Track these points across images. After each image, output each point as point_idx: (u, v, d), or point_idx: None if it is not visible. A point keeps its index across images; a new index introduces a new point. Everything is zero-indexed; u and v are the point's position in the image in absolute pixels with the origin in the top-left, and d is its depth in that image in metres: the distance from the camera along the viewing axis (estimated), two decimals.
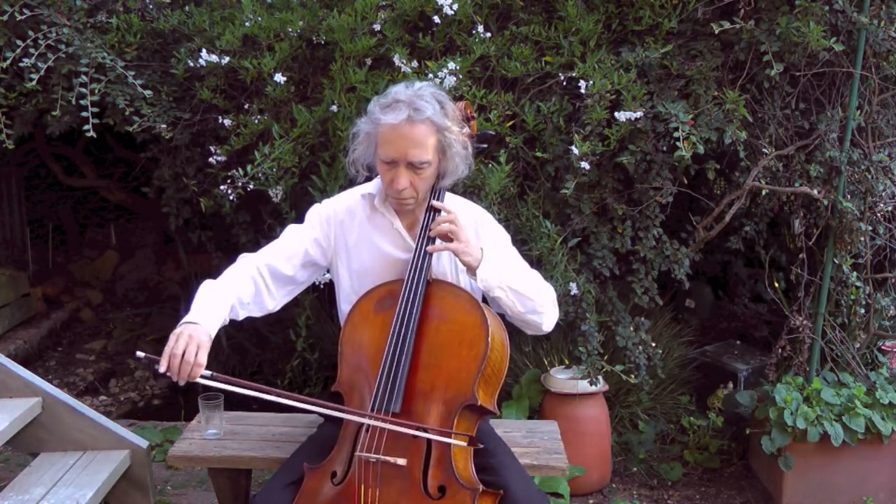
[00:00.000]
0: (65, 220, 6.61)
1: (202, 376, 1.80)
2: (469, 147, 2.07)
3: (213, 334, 1.87)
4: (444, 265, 2.11)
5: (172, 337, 1.80)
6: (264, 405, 2.04)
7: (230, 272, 2.04)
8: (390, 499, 1.85)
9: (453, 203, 2.13)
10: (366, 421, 1.89)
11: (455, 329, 1.97)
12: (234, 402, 2.27)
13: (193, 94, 3.29)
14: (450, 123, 1.97)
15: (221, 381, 1.81)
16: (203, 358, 1.79)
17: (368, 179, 2.15)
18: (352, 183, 2.27)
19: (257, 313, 2.11)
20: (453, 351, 1.95)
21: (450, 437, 1.88)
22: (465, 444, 1.92)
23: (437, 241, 1.99)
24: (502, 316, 2.09)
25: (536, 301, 2.04)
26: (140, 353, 1.80)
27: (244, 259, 2.09)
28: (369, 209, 2.12)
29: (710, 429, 3.57)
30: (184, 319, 1.86)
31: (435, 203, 2.05)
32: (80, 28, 3.19)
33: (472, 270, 1.98)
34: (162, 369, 1.78)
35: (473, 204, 2.24)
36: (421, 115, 1.92)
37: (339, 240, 2.14)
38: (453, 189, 2.18)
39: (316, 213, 2.16)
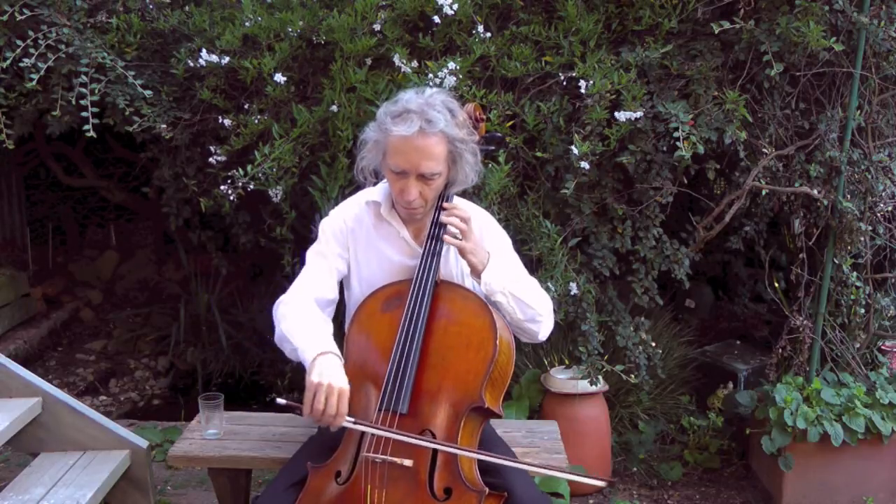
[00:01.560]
0: (65, 220, 6.61)
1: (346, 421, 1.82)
2: (478, 154, 2.05)
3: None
4: (450, 267, 2.11)
5: (311, 387, 1.77)
6: (264, 405, 2.04)
7: (299, 311, 1.97)
8: (396, 499, 1.84)
9: (459, 205, 2.13)
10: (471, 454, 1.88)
11: (463, 331, 1.97)
12: (234, 402, 2.28)
13: (193, 94, 3.29)
14: (461, 133, 1.95)
15: (362, 426, 1.84)
16: (345, 408, 1.78)
17: (375, 184, 2.15)
18: (352, 184, 2.27)
19: None
20: (461, 353, 1.95)
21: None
22: (596, 482, 1.94)
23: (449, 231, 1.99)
24: None
25: (536, 310, 2.04)
26: (281, 400, 1.82)
27: (289, 302, 2.02)
28: (375, 218, 2.12)
29: (710, 429, 3.57)
30: (312, 353, 1.83)
31: (446, 204, 2.04)
32: (80, 28, 3.19)
33: (476, 273, 1.99)
34: (304, 417, 1.79)
35: (477, 206, 2.24)
36: (433, 127, 1.90)
37: (352, 248, 2.14)
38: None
39: (329, 227, 2.14)
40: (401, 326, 1.95)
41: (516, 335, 2.11)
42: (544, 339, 2.12)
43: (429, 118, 1.89)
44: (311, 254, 2.14)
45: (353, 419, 1.82)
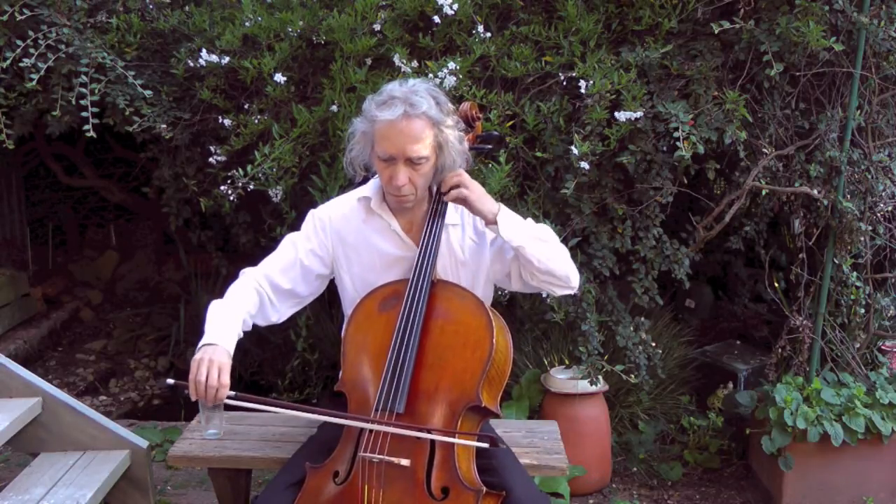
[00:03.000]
0: (65, 220, 6.61)
1: (228, 397, 1.85)
2: (465, 142, 2.07)
3: (232, 351, 1.91)
4: (444, 263, 2.11)
5: (194, 364, 1.84)
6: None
7: (235, 288, 2.06)
8: (393, 499, 1.84)
9: None
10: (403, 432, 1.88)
11: (460, 330, 1.97)
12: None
13: (193, 94, 3.29)
14: (445, 118, 1.98)
15: (245, 401, 1.86)
16: (226, 379, 1.84)
17: (366, 180, 2.15)
18: (352, 184, 2.26)
19: (262, 323, 2.13)
20: (457, 352, 1.95)
21: (473, 438, 1.90)
22: (477, 444, 1.91)
23: (450, 197, 1.99)
24: (505, 313, 2.09)
25: (558, 247, 2.03)
26: (170, 381, 1.89)
27: (246, 273, 2.11)
28: (365, 213, 2.12)
29: (710, 429, 3.57)
30: (201, 342, 1.90)
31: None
32: (80, 28, 3.20)
33: (490, 221, 1.98)
34: (193, 397, 1.84)
35: None
36: (417, 109, 1.92)
37: (337, 247, 2.14)
38: None
39: (311, 221, 2.16)
40: (397, 326, 1.96)
41: (550, 290, 2.09)
42: (577, 285, 2.08)
43: (412, 102, 1.92)
44: (287, 240, 2.16)
45: (234, 393, 1.85)
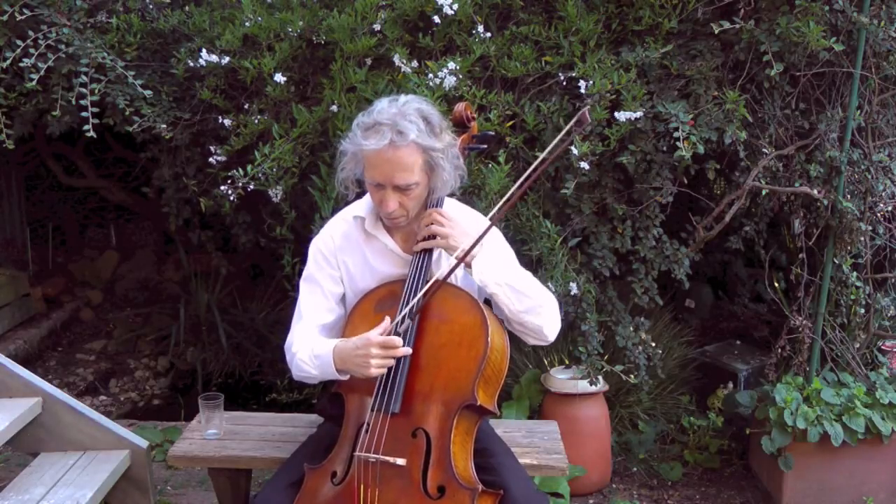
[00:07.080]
0: (65, 220, 6.61)
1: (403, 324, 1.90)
2: (461, 159, 2.03)
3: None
4: (442, 268, 2.10)
5: (367, 372, 1.87)
6: (264, 405, 2.04)
7: (304, 351, 2.01)
8: (390, 498, 1.85)
9: (450, 207, 2.11)
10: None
11: (455, 329, 1.97)
12: (234, 402, 2.28)
13: (193, 94, 3.29)
14: (436, 142, 1.91)
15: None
16: (389, 339, 1.86)
17: (360, 195, 2.14)
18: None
19: None
20: (452, 351, 1.95)
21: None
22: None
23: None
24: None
25: (535, 299, 2.00)
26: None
27: (299, 340, 2.05)
28: (363, 234, 2.10)
29: (710, 429, 3.57)
30: (330, 368, 1.93)
31: (424, 219, 2.04)
32: (80, 28, 3.19)
33: (467, 265, 1.97)
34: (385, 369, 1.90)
35: (462, 204, 2.21)
36: (404, 139, 1.87)
37: (343, 266, 2.12)
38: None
39: (318, 250, 2.13)
40: (393, 326, 1.96)
41: (524, 337, 2.07)
42: (552, 337, 2.05)
43: (399, 129, 1.86)
44: (304, 283, 2.12)
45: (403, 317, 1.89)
